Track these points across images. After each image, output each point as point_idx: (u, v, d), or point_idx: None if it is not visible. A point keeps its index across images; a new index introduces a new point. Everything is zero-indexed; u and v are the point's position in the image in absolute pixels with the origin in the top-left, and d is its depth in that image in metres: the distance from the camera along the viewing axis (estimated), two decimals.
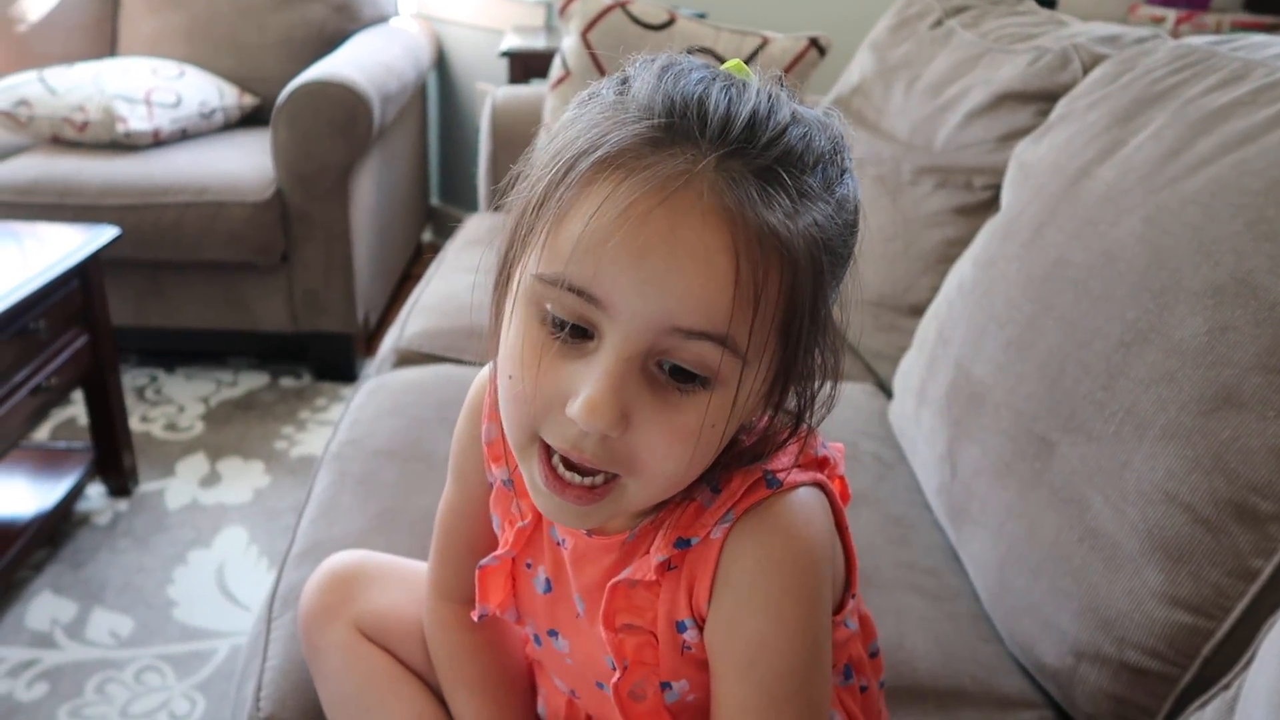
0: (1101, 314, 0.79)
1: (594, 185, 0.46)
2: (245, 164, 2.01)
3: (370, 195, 2.16)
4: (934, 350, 1.03)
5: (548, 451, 0.50)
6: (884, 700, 0.69)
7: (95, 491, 1.71)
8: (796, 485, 0.55)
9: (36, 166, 1.96)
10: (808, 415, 0.54)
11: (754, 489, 0.53)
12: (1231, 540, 0.67)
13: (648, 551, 0.55)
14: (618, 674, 0.57)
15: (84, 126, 2.02)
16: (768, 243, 0.45)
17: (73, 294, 1.51)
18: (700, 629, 0.56)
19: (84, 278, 1.53)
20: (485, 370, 0.66)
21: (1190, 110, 0.85)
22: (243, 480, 1.79)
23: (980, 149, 1.23)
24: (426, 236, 3.03)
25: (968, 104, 1.27)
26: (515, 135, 1.80)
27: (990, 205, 1.21)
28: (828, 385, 0.54)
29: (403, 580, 0.74)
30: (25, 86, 2.06)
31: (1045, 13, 1.47)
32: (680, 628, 0.56)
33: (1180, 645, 0.69)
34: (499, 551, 0.63)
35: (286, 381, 2.16)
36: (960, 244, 1.21)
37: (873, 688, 0.66)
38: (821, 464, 0.58)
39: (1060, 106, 1.09)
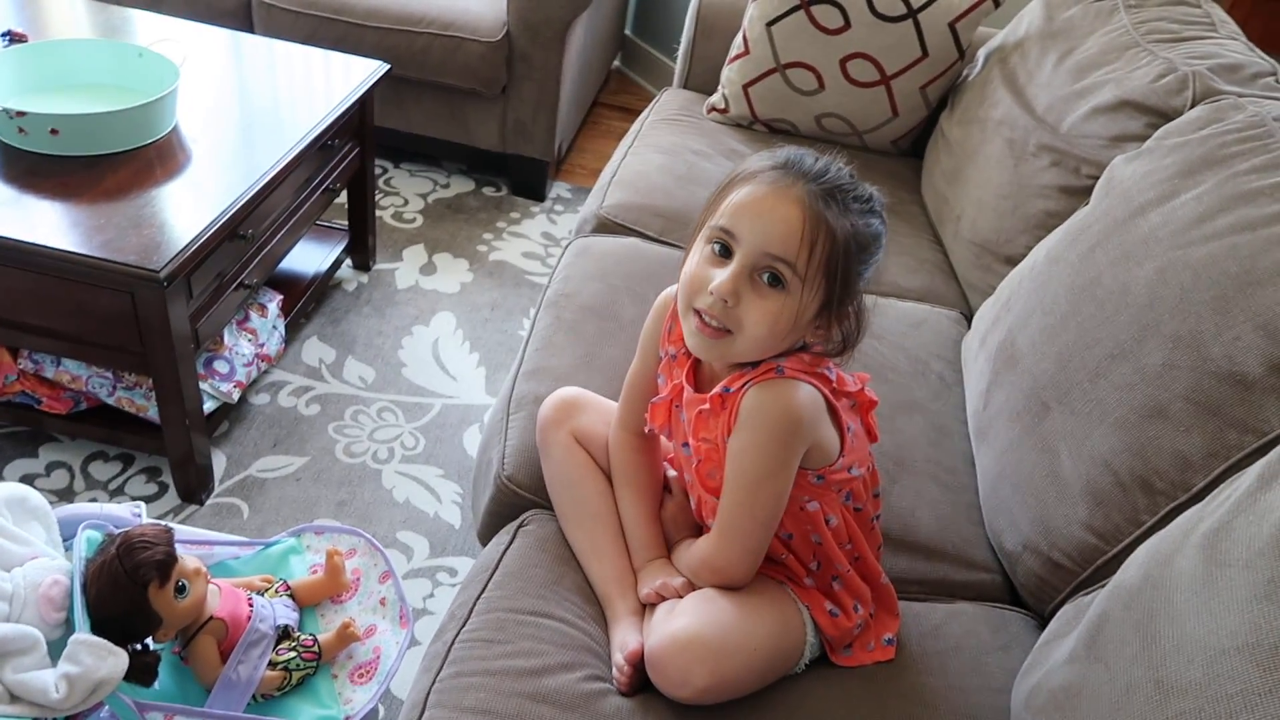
0: (1105, 330, 1.11)
1: (745, 182, 0.93)
2: (487, 6, 2.35)
3: (581, 39, 2.48)
4: (1000, 310, 1.36)
5: (698, 314, 0.93)
6: (879, 529, 1.09)
7: (346, 265, 2.21)
8: (795, 378, 0.93)
9: None
10: (827, 343, 0.95)
11: (767, 371, 0.94)
12: (1133, 500, 1.03)
13: None
14: (696, 460, 1.02)
15: None
16: (822, 221, 0.89)
17: (354, 115, 1.93)
18: None
19: (362, 103, 1.94)
20: (667, 290, 1.06)
21: (1229, 185, 1.12)
22: (452, 273, 2.26)
23: (1094, 143, 1.47)
24: (615, 63, 3.32)
25: (1097, 99, 1.50)
26: (716, 27, 2.07)
27: (1088, 193, 1.47)
28: (847, 329, 0.96)
29: (601, 411, 1.17)
30: None
31: (1206, 7, 1.63)
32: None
33: (1086, 555, 1.07)
34: (662, 395, 1.05)
35: (488, 190, 2.59)
36: (1058, 217, 1.48)
37: (867, 511, 1.05)
38: (826, 381, 0.96)
39: (1158, 135, 1.33)
